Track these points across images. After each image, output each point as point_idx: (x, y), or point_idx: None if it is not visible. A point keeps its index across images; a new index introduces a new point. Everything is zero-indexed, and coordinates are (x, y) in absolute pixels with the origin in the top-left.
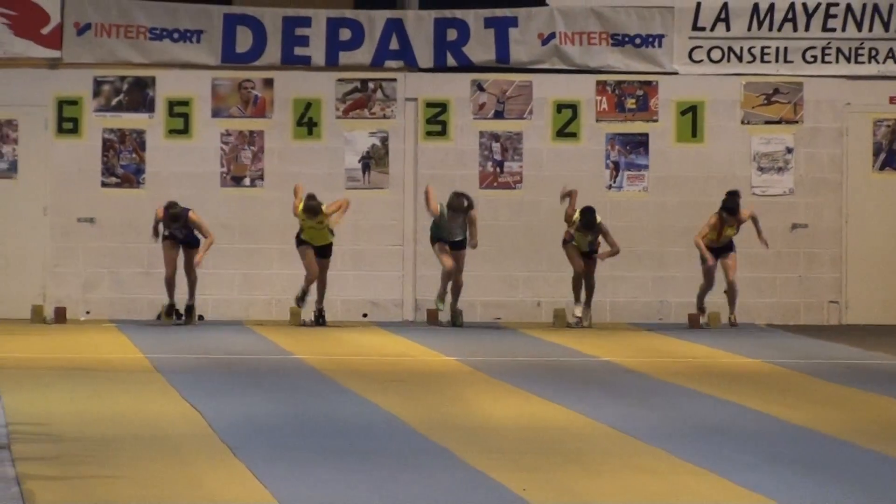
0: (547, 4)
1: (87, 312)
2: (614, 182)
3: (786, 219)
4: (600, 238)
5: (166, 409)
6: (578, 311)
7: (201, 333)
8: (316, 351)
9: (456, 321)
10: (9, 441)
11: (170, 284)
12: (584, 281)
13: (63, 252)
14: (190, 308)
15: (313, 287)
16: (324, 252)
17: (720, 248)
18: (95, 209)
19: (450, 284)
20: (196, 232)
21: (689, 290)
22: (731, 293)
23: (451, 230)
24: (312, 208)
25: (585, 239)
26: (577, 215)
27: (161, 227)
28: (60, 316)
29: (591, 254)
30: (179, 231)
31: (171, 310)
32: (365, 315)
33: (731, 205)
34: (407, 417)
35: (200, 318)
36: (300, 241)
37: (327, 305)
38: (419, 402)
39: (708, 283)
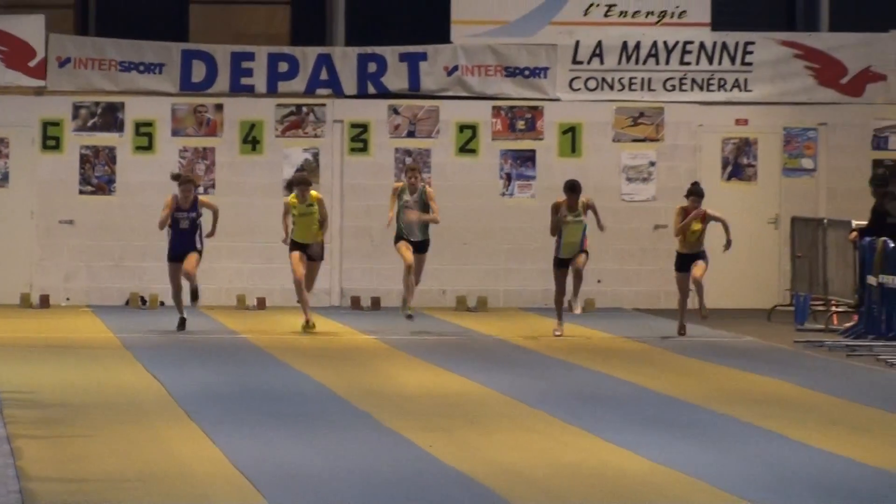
0: (451, 42)
1: (67, 299)
2: (507, 190)
3: (649, 221)
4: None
5: (133, 379)
6: (558, 328)
7: (162, 317)
8: (258, 331)
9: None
10: (0, 406)
11: (177, 300)
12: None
13: (47, 249)
14: (195, 290)
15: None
16: (313, 252)
17: (691, 255)
18: (74, 213)
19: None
20: (199, 220)
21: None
22: (697, 289)
23: (412, 230)
24: (303, 179)
25: (576, 219)
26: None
27: (170, 218)
28: (44, 302)
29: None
30: (187, 215)
31: (183, 322)
32: (299, 301)
33: (695, 189)
34: (334, 386)
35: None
36: (292, 246)
37: (269, 294)
38: (344, 374)
39: (682, 294)
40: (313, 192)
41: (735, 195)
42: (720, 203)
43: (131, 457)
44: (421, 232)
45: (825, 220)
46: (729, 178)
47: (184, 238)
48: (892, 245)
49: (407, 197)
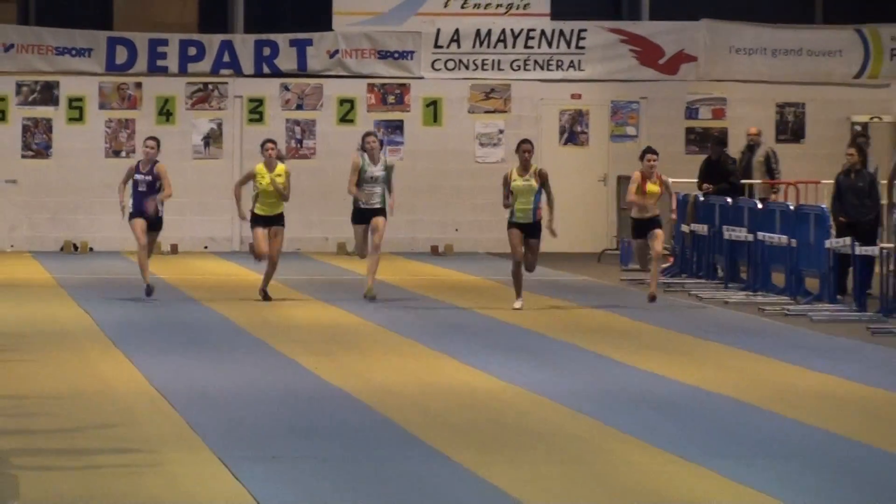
0: (333, 30)
1: (12, 246)
2: (381, 152)
3: (498, 179)
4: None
5: (66, 313)
6: (518, 304)
7: (91, 260)
8: (171, 272)
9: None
10: None
11: (143, 261)
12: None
13: None
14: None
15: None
16: (277, 221)
17: (647, 221)
18: (17, 174)
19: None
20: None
21: (432, 228)
22: (654, 263)
23: (372, 197)
24: (271, 144)
25: (525, 182)
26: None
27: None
28: None
29: (534, 228)
30: (144, 179)
31: (149, 289)
32: (206, 247)
33: (648, 149)
34: (236, 319)
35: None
36: (254, 220)
37: (181, 241)
38: (242, 308)
39: (639, 261)
40: (281, 165)
41: (570, 157)
42: (558, 163)
43: (64, 378)
44: (381, 199)
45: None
46: (565, 144)
47: (143, 200)
48: (702, 199)
49: (374, 169)
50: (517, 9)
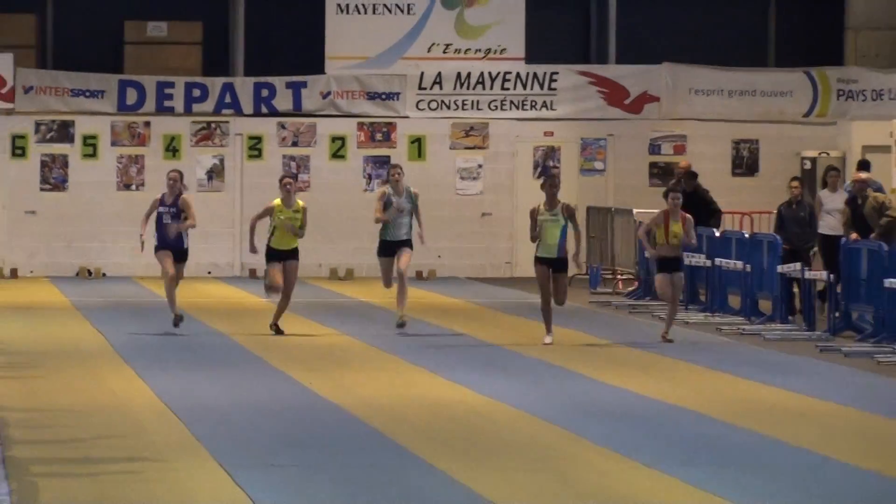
0: (326, 73)
1: (31, 272)
2: (368, 186)
3: (478, 210)
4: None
5: (81, 332)
6: (548, 339)
7: (103, 285)
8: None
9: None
10: None
11: (171, 293)
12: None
13: (15, 233)
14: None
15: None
16: (292, 256)
17: (672, 259)
18: (36, 205)
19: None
20: (182, 216)
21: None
22: (671, 309)
23: (398, 232)
24: (289, 179)
25: (553, 218)
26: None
27: (154, 215)
28: (14, 274)
29: (560, 262)
30: (169, 211)
31: (177, 320)
32: (209, 272)
33: (673, 188)
34: (235, 337)
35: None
36: (269, 254)
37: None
38: (243, 328)
39: (665, 298)
40: (299, 200)
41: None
42: (532, 195)
43: (79, 392)
44: (408, 231)
45: (613, 209)
46: (538, 177)
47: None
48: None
49: (395, 199)
50: (494, 53)
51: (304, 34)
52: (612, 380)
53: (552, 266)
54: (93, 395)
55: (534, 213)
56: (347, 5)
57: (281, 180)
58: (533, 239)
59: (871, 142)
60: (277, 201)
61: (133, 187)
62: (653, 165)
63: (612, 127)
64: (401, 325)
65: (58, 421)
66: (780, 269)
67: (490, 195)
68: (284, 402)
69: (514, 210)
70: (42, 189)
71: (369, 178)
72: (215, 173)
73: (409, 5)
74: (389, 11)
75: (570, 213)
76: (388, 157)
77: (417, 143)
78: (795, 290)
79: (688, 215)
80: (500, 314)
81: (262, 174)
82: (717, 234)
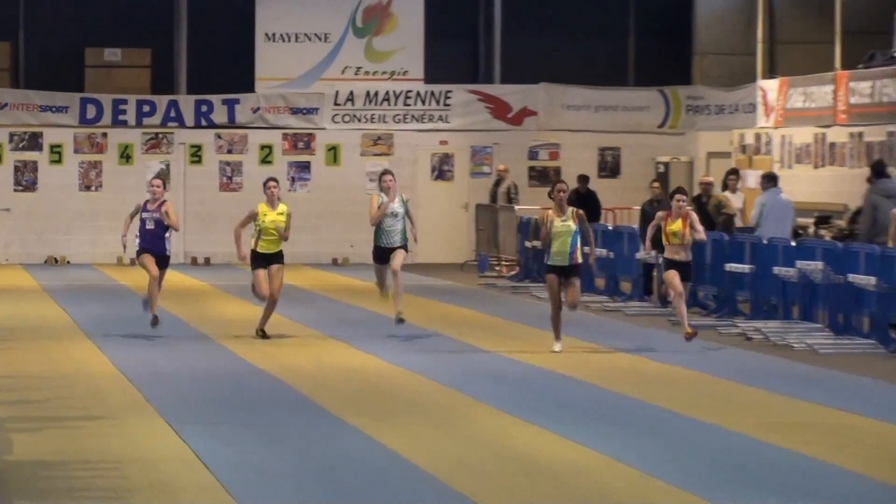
0: (256, 91)
1: (6, 260)
2: (292, 187)
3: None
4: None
5: (48, 311)
6: (557, 347)
7: (68, 271)
8: (132, 280)
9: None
10: None
11: (152, 291)
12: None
13: None
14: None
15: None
16: (276, 259)
17: (680, 262)
18: (10, 203)
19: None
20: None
21: (332, 245)
22: (681, 306)
23: (393, 238)
24: (273, 182)
25: (563, 223)
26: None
27: (136, 217)
28: None
29: (571, 268)
30: (152, 216)
31: (155, 320)
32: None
33: (679, 189)
34: (180, 315)
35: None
36: (255, 259)
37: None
38: (186, 307)
39: (674, 292)
40: (283, 204)
41: (439, 190)
42: (431, 194)
43: (47, 361)
44: (402, 238)
45: (498, 206)
46: (436, 179)
47: (149, 238)
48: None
49: (393, 205)
50: (398, 75)
51: (237, 59)
52: (498, 349)
53: (564, 273)
54: (58, 364)
55: (544, 221)
56: (274, 34)
57: (265, 183)
58: (544, 246)
59: (714, 149)
60: (261, 206)
61: (93, 188)
62: (531, 169)
63: (497, 137)
64: (399, 321)
65: (29, 385)
66: (638, 255)
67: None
68: (223, 370)
69: (416, 207)
70: (15, 190)
71: (293, 180)
72: (163, 177)
73: (325, 34)
74: (309, 39)
75: (581, 219)
76: (309, 162)
77: (333, 151)
78: (655, 273)
79: (691, 211)
80: (404, 295)
81: (202, 177)
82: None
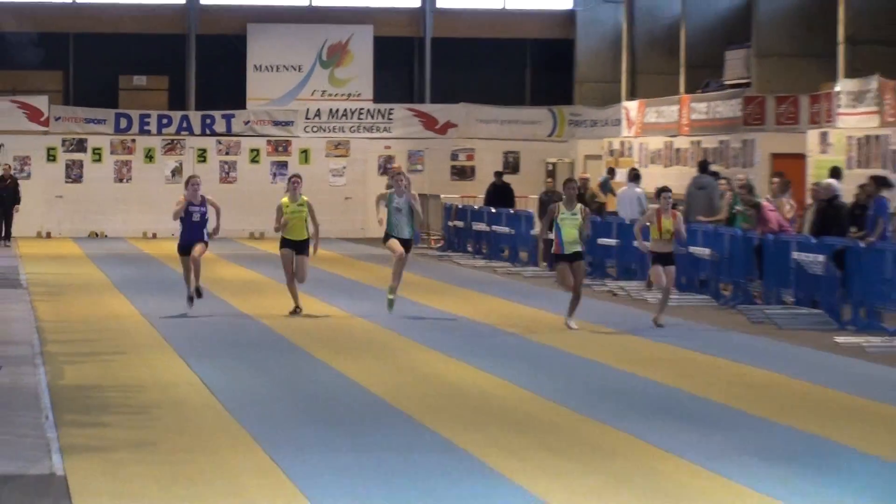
0: (247, 108)
1: (60, 234)
2: (273, 180)
3: (342, 195)
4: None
5: (90, 272)
6: (574, 324)
7: (106, 242)
8: (156, 250)
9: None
10: (28, 284)
11: (188, 280)
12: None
13: (49, 210)
14: (198, 288)
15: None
16: (303, 248)
17: (664, 255)
18: (63, 192)
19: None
20: (207, 210)
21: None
22: (662, 297)
23: (401, 228)
24: (297, 178)
25: (572, 216)
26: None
27: (183, 211)
28: (49, 235)
29: (577, 255)
30: (199, 210)
31: (191, 299)
32: (173, 234)
33: (665, 188)
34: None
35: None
36: (282, 244)
37: (158, 232)
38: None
39: (648, 285)
40: (304, 197)
41: (384, 182)
42: (379, 185)
43: (89, 309)
44: (409, 231)
45: (428, 195)
46: (381, 174)
47: (194, 229)
48: (461, 206)
49: (397, 199)
50: (353, 97)
51: (233, 84)
52: (437, 305)
53: (571, 259)
54: (97, 312)
55: (552, 212)
56: (261, 65)
57: (290, 179)
58: (545, 236)
59: (590, 153)
60: (284, 199)
61: (124, 181)
62: (453, 168)
63: (427, 143)
64: (391, 301)
65: (75, 328)
66: (532, 232)
67: (350, 186)
68: (224, 318)
69: (365, 196)
70: (66, 182)
71: (274, 175)
72: (176, 172)
73: (299, 66)
74: (287, 70)
75: (586, 215)
76: (287, 162)
77: (305, 154)
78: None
79: (677, 212)
80: (357, 261)
81: (206, 173)
82: (493, 210)
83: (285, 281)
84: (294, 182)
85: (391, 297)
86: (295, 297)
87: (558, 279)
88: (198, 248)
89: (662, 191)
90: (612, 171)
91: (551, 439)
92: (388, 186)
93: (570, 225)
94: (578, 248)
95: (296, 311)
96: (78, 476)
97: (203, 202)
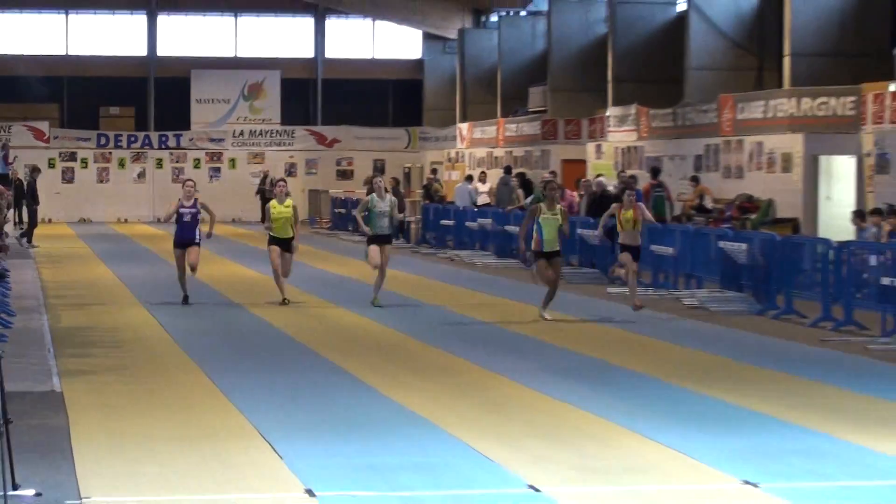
0: (191, 129)
1: (59, 220)
2: (210, 181)
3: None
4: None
5: (79, 246)
6: (548, 315)
7: (92, 226)
8: (131, 232)
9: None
10: (34, 256)
11: (182, 280)
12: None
13: (50, 202)
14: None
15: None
16: (288, 246)
17: (630, 246)
18: (60, 190)
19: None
20: (200, 214)
21: (232, 211)
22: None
23: (384, 227)
24: (282, 182)
25: (553, 216)
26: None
27: (175, 213)
28: (50, 221)
29: (555, 253)
30: (190, 211)
31: (186, 299)
32: (148, 221)
33: (630, 185)
34: (157, 251)
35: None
36: (270, 241)
37: (137, 217)
38: (164, 247)
39: (629, 270)
40: (289, 199)
41: (290, 182)
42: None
43: (79, 275)
44: (390, 228)
45: (320, 191)
46: (288, 176)
47: (186, 229)
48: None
49: (381, 204)
50: (267, 121)
51: (181, 112)
52: (324, 267)
53: (549, 256)
54: (85, 276)
55: (534, 212)
56: (201, 99)
57: (276, 183)
58: (525, 235)
59: (435, 160)
60: (272, 202)
61: (104, 182)
62: (338, 171)
63: (319, 154)
64: (378, 305)
65: (69, 287)
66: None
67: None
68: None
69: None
70: (62, 182)
71: (210, 177)
72: (140, 176)
73: (228, 99)
74: (220, 102)
75: (565, 215)
76: (220, 167)
77: (233, 162)
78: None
79: (640, 203)
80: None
81: (162, 176)
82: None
83: (272, 275)
84: (280, 187)
85: (376, 303)
86: (282, 289)
87: (538, 273)
88: (193, 252)
89: (627, 188)
90: (470, 178)
91: (412, 363)
92: (369, 192)
93: (551, 224)
94: (557, 247)
95: (284, 302)
96: (72, 392)
97: (195, 204)
